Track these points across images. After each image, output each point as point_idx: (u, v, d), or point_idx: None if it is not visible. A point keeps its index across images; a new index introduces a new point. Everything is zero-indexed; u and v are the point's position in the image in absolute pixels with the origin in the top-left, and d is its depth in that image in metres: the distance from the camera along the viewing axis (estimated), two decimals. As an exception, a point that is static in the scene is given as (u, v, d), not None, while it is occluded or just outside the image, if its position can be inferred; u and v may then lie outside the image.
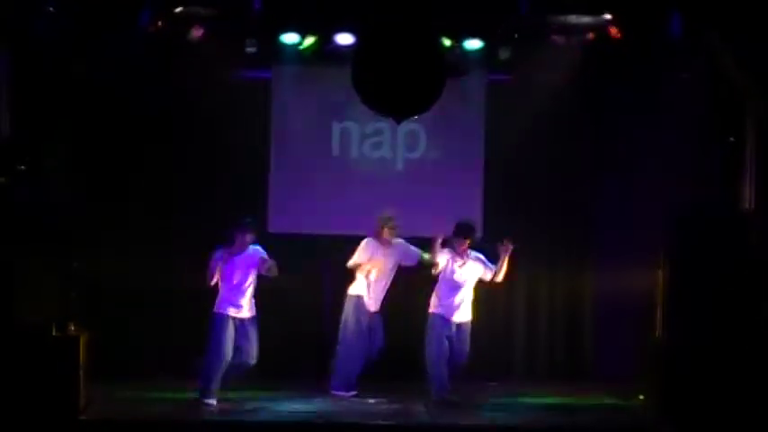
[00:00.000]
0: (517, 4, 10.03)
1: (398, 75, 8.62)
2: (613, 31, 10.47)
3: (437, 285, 10.00)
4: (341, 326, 10.16)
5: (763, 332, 9.18)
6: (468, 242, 9.95)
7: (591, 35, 10.66)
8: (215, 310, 9.57)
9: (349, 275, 10.20)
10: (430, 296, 10.03)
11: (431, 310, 9.98)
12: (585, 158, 11.30)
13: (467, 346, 9.98)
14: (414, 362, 10.14)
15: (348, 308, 10.17)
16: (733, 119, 10.10)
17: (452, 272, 9.94)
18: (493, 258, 9.96)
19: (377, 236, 10.17)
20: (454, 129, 11.20)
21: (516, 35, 10.66)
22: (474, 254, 10.04)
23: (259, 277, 9.70)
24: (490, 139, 11.21)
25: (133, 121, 10.99)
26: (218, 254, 9.52)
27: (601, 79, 11.04)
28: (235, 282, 9.57)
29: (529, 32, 10.64)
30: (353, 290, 10.19)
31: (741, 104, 9.99)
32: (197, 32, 10.52)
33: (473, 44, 10.77)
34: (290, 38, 10.72)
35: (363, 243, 10.17)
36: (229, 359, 9.49)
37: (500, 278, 10.02)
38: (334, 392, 10.06)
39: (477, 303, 10.15)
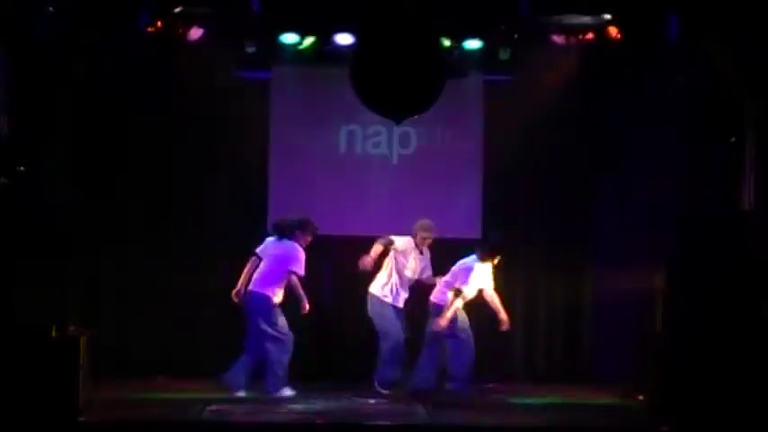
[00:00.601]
0: (517, 5, 10.05)
1: (398, 75, 8.62)
2: (613, 31, 10.48)
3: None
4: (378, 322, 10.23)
5: (762, 332, 9.17)
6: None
7: (591, 36, 10.68)
8: (278, 305, 9.77)
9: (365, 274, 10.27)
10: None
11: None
12: (584, 159, 11.30)
13: None
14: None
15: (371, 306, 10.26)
16: (732, 120, 10.10)
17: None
18: None
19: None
20: (453, 129, 11.20)
21: (516, 35, 10.67)
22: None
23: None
24: (489, 140, 11.22)
25: (133, 122, 11.01)
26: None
27: (600, 80, 11.04)
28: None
29: (528, 33, 10.65)
30: (375, 289, 10.25)
31: (740, 105, 9.99)
32: (196, 33, 10.54)
33: (472, 44, 10.79)
34: (289, 38, 10.74)
35: (406, 238, 10.26)
36: None
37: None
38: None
39: (476, 304, 10.17)
